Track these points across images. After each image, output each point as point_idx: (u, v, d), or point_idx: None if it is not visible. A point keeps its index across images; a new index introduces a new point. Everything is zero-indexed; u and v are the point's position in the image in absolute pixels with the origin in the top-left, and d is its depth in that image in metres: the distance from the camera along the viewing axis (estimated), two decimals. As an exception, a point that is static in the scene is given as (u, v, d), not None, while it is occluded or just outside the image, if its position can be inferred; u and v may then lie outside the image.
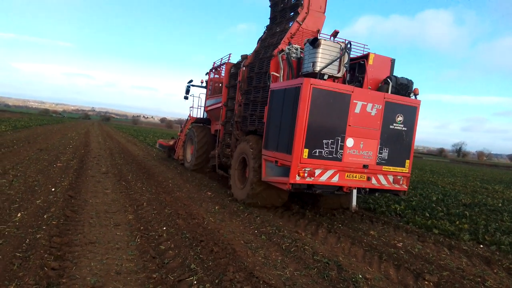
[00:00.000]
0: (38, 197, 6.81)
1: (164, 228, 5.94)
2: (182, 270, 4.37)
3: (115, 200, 7.57)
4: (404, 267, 5.39)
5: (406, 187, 7.74)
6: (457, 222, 8.81)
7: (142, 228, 5.85)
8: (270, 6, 10.34)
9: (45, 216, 5.61)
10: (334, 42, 7.38)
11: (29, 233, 4.83)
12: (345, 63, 7.25)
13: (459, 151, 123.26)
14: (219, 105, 11.64)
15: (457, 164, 71.52)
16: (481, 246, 7.17)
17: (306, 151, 6.69)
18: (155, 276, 4.17)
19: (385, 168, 7.41)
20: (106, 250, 4.78)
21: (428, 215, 9.44)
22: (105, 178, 10.01)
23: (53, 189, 7.53)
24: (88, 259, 4.42)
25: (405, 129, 7.51)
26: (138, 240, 5.27)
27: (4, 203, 6.11)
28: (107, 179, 9.83)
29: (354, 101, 6.94)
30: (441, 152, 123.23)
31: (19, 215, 5.58)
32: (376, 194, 8.90)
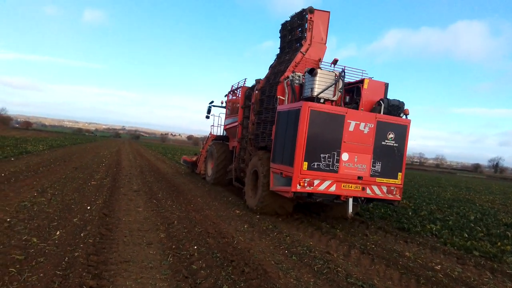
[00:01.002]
0: (75, 215, 7.06)
1: (195, 247, 5.97)
2: (214, 291, 4.36)
3: (147, 218, 7.72)
4: (444, 292, 5.13)
5: (399, 197, 8.50)
6: (499, 243, 8.34)
7: (174, 247, 5.91)
8: (280, 38, 11.52)
9: (82, 234, 5.80)
10: (329, 71, 8.48)
11: (68, 251, 5.00)
12: (340, 88, 8.32)
13: (496, 167, 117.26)
14: (236, 124, 12.67)
15: (494, 180, 68.10)
16: (527, 270, 6.73)
17: (305, 163, 7.64)
18: (188, 296, 4.17)
19: (378, 179, 8.20)
20: (140, 269, 4.85)
21: (466, 235, 9.01)
22: (136, 196, 10.25)
23: (88, 208, 7.79)
24: (123, 278, 4.50)
25: (397, 145, 8.31)
26: (171, 259, 5.32)
27: (44, 221, 6.38)
28: (139, 197, 10.06)
29: (348, 120, 7.88)
30: (476, 168, 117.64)
31: (58, 233, 5.80)
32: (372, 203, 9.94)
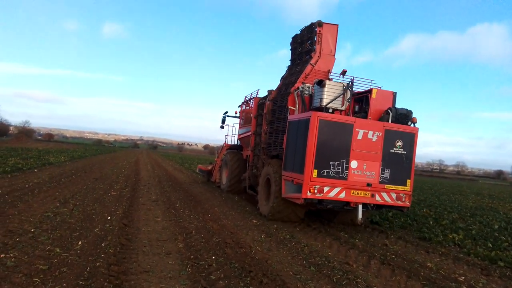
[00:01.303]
0: (96, 225, 7.20)
1: (213, 257, 6.00)
2: (233, 302, 4.36)
3: (166, 228, 7.81)
4: (469, 305, 4.98)
5: (408, 203, 8.60)
6: (526, 254, 8.03)
7: (192, 257, 5.95)
8: (290, 50, 11.85)
9: (103, 245, 5.91)
10: (337, 81, 8.84)
11: (89, 261, 5.10)
12: (348, 98, 8.66)
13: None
14: (249, 133, 13.03)
15: (519, 187, 65.72)
16: (557, 282, 6.46)
17: (315, 171, 7.88)
18: (207, 307, 4.19)
19: (387, 186, 8.35)
20: (159, 279, 4.91)
21: (491, 245, 8.73)
22: (155, 206, 10.38)
23: (109, 218, 7.94)
24: (143, 287, 4.56)
25: (405, 152, 8.45)
26: (189, 269, 5.36)
27: (66, 232, 6.54)
28: (157, 207, 10.19)
29: (357, 129, 8.10)
30: (499, 175, 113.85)
31: (79, 243, 5.93)
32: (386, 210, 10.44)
